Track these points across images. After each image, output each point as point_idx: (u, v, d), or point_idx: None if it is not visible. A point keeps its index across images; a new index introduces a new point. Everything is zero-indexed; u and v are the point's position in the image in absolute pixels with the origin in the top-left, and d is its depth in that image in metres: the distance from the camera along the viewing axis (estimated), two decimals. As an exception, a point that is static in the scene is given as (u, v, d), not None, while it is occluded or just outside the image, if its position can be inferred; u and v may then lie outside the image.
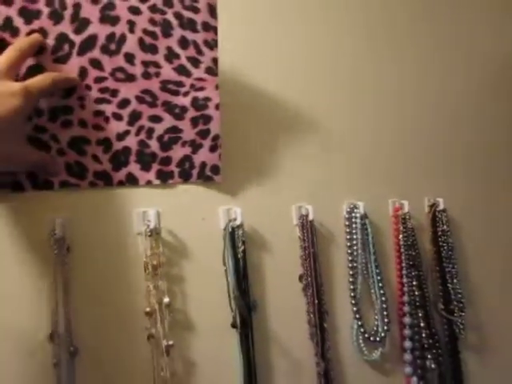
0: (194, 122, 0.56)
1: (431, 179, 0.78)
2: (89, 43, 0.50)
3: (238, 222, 0.58)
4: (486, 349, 0.78)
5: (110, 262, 0.52)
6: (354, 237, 0.67)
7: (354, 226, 0.67)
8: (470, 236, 0.79)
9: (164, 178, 0.56)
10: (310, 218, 0.63)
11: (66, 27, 0.49)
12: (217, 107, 0.57)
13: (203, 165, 0.57)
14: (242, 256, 0.58)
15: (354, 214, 0.68)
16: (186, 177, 0.56)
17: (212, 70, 0.56)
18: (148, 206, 0.54)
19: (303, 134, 0.67)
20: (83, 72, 0.51)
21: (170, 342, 0.52)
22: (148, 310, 0.52)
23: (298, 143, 0.66)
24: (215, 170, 0.57)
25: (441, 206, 0.77)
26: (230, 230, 0.58)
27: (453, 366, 0.74)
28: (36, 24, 0.48)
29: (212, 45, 0.56)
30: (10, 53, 0.44)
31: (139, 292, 0.52)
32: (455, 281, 0.75)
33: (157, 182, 0.55)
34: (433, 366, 0.69)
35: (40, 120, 0.49)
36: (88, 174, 0.52)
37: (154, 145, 0.55)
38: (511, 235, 0.83)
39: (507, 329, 0.80)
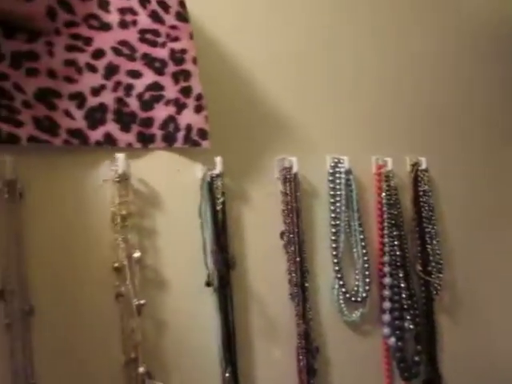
0: (175, 77, 0.49)
1: (414, 138, 0.76)
2: None
3: (217, 171, 0.52)
4: (458, 309, 0.78)
5: (71, 211, 0.45)
6: (338, 193, 0.63)
7: (337, 181, 0.63)
8: (450, 197, 0.78)
9: (145, 140, 0.49)
10: (294, 170, 0.59)
11: None
12: (194, 61, 0.50)
13: (189, 127, 0.50)
14: (221, 208, 0.52)
15: (338, 169, 0.64)
16: (170, 141, 0.50)
17: (182, 16, 0.50)
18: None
19: (287, 86, 0.62)
20: (51, 12, 0.43)
21: (142, 301, 0.46)
22: (117, 265, 0.46)
23: (282, 95, 0.61)
24: (202, 134, 0.50)
25: (423, 166, 0.74)
26: (209, 179, 0.52)
27: (428, 327, 0.73)
28: None
29: None
30: None
31: (106, 245, 0.46)
32: (434, 242, 0.74)
33: (138, 145, 0.49)
34: (411, 326, 0.67)
35: (0, 65, 0.42)
36: (60, 130, 0.44)
37: (133, 103, 0.48)
38: (490, 197, 0.82)
39: (480, 289, 0.80)
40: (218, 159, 0.52)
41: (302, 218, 0.59)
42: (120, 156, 0.46)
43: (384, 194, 0.69)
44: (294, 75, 0.63)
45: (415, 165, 0.74)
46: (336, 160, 0.64)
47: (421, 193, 0.74)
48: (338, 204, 0.63)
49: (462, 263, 0.78)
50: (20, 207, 0.42)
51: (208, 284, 0.51)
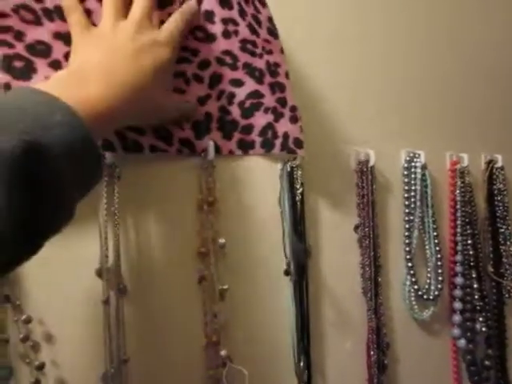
0: (272, 88, 0.50)
1: (490, 135, 0.73)
2: None
3: (297, 162, 0.52)
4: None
5: (160, 196, 0.47)
6: (413, 188, 0.62)
7: (413, 176, 0.62)
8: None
9: (245, 147, 0.50)
10: (371, 163, 0.58)
11: None
12: (287, 75, 0.51)
13: (286, 135, 0.51)
14: (299, 198, 0.53)
15: (413, 164, 0.62)
16: (268, 147, 0.51)
17: (272, 32, 0.50)
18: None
19: (365, 79, 0.61)
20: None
21: (225, 286, 0.47)
22: (202, 250, 0.47)
23: (358, 88, 0.60)
24: (298, 143, 0.51)
25: (499, 163, 0.72)
26: (289, 169, 0.52)
27: (498, 331, 0.71)
28: None
29: (263, 2, 0.49)
30: (142, 3, 0.40)
31: (192, 230, 0.47)
32: (508, 243, 0.71)
33: (239, 152, 0.50)
34: (483, 329, 0.65)
35: None
36: (174, 140, 0.46)
37: (235, 111, 0.49)
38: None
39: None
40: (299, 150, 0.52)
41: (376, 211, 0.58)
42: (210, 143, 0.47)
43: (458, 190, 0.67)
44: (372, 69, 0.62)
45: (491, 162, 0.71)
46: (412, 154, 0.63)
47: (495, 191, 0.71)
48: (412, 199, 0.62)
49: (537, 266, 0.75)
50: (117, 190, 0.43)
51: (286, 273, 0.52)
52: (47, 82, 0.33)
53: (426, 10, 0.67)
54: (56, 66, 0.41)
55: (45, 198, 0.27)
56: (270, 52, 0.50)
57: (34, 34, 0.40)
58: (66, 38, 0.41)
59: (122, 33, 0.38)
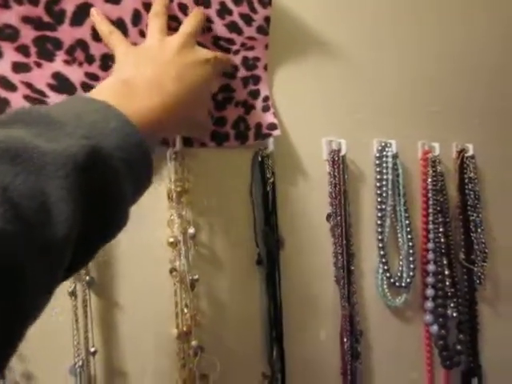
0: (245, 82, 0.51)
1: (461, 124, 0.74)
2: None
3: (268, 151, 0.52)
4: (502, 301, 0.77)
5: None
6: (385, 177, 0.63)
7: (384, 165, 0.63)
8: (497, 185, 0.76)
9: (219, 139, 0.50)
10: (342, 152, 0.58)
11: None
12: (265, 67, 0.52)
13: (258, 125, 0.52)
14: (271, 188, 0.53)
15: (385, 153, 0.63)
16: (242, 139, 0.51)
17: (263, 30, 0.51)
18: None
19: (337, 70, 0.61)
20: (137, 15, 0.44)
21: (195, 276, 0.47)
22: (171, 240, 0.47)
23: (331, 78, 0.60)
24: (272, 126, 0.52)
25: (470, 152, 0.73)
26: (260, 159, 0.52)
27: (469, 317, 0.72)
28: None
29: (265, 2, 0.50)
30: (194, 22, 0.43)
31: (162, 221, 0.47)
32: (479, 230, 0.73)
33: (212, 144, 0.50)
34: (454, 314, 0.67)
35: None
36: None
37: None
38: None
39: (524, 281, 0.78)
40: (270, 140, 0.52)
41: (348, 201, 0.59)
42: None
43: (430, 179, 0.68)
44: (344, 57, 0.62)
45: (462, 151, 0.72)
46: (383, 144, 0.63)
47: (466, 180, 0.72)
48: (384, 188, 0.62)
49: (507, 253, 0.77)
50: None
51: (258, 262, 0.52)
52: (100, 91, 0.34)
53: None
54: (23, 50, 0.40)
55: (108, 199, 0.27)
56: (251, 48, 0.51)
57: (1, 17, 0.39)
58: (35, 22, 0.40)
59: (169, 47, 0.39)
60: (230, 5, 0.49)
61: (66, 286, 0.41)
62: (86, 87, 0.43)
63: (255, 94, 0.52)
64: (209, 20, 0.48)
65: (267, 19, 0.51)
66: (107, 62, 0.44)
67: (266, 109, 0.52)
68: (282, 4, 0.53)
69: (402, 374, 0.66)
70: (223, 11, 0.48)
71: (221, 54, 0.46)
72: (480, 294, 0.73)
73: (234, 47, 0.50)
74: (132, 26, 0.44)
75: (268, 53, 0.52)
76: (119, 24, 0.43)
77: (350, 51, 0.63)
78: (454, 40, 0.74)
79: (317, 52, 0.59)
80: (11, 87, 0.40)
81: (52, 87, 0.41)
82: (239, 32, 0.50)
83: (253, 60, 0.52)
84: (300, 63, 0.58)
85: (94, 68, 0.43)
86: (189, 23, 0.43)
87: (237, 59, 0.51)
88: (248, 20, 0.50)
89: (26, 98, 0.40)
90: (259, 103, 0.52)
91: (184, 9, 0.47)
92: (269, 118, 0.52)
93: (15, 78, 0.40)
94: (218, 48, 0.49)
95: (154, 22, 0.42)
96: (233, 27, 0.49)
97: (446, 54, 0.73)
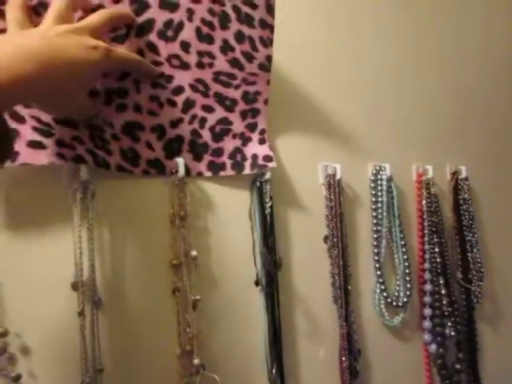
0: (243, 115, 0.54)
1: (454, 147, 0.77)
2: (146, 27, 0.48)
3: (266, 177, 0.55)
4: (500, 319, 0.78)
5: (135, 211, 0.49)
6: (380, 199, 0.65)
7: (379, 188, 0.65)
8: (491, 206, 0.78)
9: (216, 169, 0.53)
10: (338, 177, 0.61)
11: (125, 8, 0.46)
12: (265, 102, 0.55)
13: (255, 156, 0.54)
14: (269, 212, 0.55)
15: (379, 176, 0.66)
16: (238, 169, 0.54)
17: (265, 67, 0.54)
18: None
19: (331, 95, 0.64)
20: (140, 54, 0.48)
21: (197, 297, 0.49)
22: (175, 262, 0.49)
23: (326, 105, 0.64)
24: (268, 158, 0.55)
25: (463, 174, 0.75)
26: (258, 184, 0.55)
27: (468, 335, 0.74)
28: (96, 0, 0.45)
29: (267, 43, 0.53)
30: (103, 15, 0.43)
31: (165, 243, 0.50)
32: (475, 250, 0.74)
33: (208, 173, 0.53)
34: (452, 333, 0.68)
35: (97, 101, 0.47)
36: (141, 161, 0.49)
37: (206, 135, 0.53)
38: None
39: (522, 300, 0.80)
40: (269, 163, 0.55)
41: (345, 223, 0.61)
42: (180, 161, 0.50)
43: (424, 201, 0.70)
44: (341, 84, 0.65)
45: (455, 173, 0.75)
46: (378, 167, 0.66)
47: (461, 201, 0.75)
48: (379, 210, 0.65)
49: (503, 272, 0.78)
50: (92, 206, 0.46)
51: (257, 283, 0.54)
52: None
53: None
54: None
55: None
56: (252, 83, 0.54)
57: None
58: None
59: (54, 29, 0.39)
60: (233, 42, 0.52)
61: (75, 307, 0.44)
62: None
63: (253, 127, 0.55)
64: (211, 56, 0.52)
65: (269, 58, 0.54)
66: None
67: (262, 141, 0.55)
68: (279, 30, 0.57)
69: (402, 393, 0.67)
70: (226, 48, 0.52)
71: (121, 49, 0.45)
72: (478, 313, 0.74)
73: (235, 82, 0.53)
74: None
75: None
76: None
77: (351, 79, 0.66)
78: (449, 65, 0.78)
79: (315, 78, 0.63)
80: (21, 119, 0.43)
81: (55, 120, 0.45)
82: (241, 68, 0.53)
83: (253, 94, 0.54)
84: (298, 88, 0.61)
85: None
86: (90, 17, 0.42)
87: (237, 93, 0.54)
88: (249, 58, 0.53)
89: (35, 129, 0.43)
90: (256, 136, 0.55)
91: (186, 47, 0.50)
92: (265, 150, 0.54)
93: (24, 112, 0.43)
94: (218, 83, 0.53)
95: (54, 6, 0.41)
96: (235, 63, 0.52)
97: (440, 78, 0.77)
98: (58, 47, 0.37)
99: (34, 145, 0.43)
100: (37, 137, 0.43)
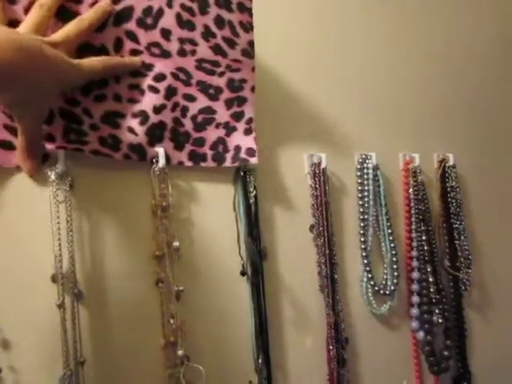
0: (229, 103, 0.53)
1: (441, 135, 0.76)
2: (125, 15, 0.47)
3: (250, 166, 0.55)
4: (488, 306, 0.78)
5: (116, 203, 0.48)
6: (366, 188, 0.65)
7: (365, 176, 0.65)
8: (478, 193, 0.78)
9: (197, 159, 0.52)
10: (323, 166, 0.61)
11: None
12: (252, 89, 0.54)
13: (237, 148, 0.53)
14: (253, 201, 0.55)
15: (365, 165, 0.65)
16: (219, 160, 0.53)
17: (248, 53, 0.53)
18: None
19: (317, 85, 0.64)
20: (119, 43, 0.47)
21: (181, 288, 0.49)
22: (158, 253, 0.49)
23: (311, 93, 0.63)
24: (250, 152, 0.54)
25: (450, 162, 0.75)
26: (242, 174, 0.55)
27: (457, 323, 0.74)
28: None
29: (248, 27, 0.52)
30: (76, 25, 0.43)
31: (148, 234, 0.49)
32: (462, 238, 0.74)
33: (189, 163, 0.52)
34: (440, 320, 0.68)
35: (73, 93, 0.46)
36: (122, 145, 0.47)
37: (187, 124, 0.52)
38: (518, 193, 0.82)
39: (509, 286, 0.80)
40: (251, 159, 0.54)
41: (331, 211, 0.61)
42: (160, 150, 0.49)
43: (411, 189, 0.70)
44: (325, 73, 0.65)
45: (442, 161, 0.75)
46: (364, 156, 0.65)
47: (448, 189, 0.74)
48: (365, 199, 0.65)
49: (491, 259, 0.78)
50: (70, 197, 0.45)
51: (243, 273, 0.54)
52: None
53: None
54: None
55: None
56: (236, 70, 0.53)
57: None
58: None
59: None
60: (214, 28, 0.51)
61: (54, 299, 0.43)
62: None
63: (239, 116, 0.54)
64: (193, 43, 0.51)
65: (251, 43, 0.53)
66: None
67: (248, 132, 0.54)
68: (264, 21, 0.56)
69: (390, 381, 0.67)
70: (207, 34, 0.51)
71: (96, 59, 0.45)
72: (466, 301, 0.75)
73: (219, 69, 0.52)
74: (114, 53, 0.47)
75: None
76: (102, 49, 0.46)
77: (336, 67, 0.65)
78: (436, 52, 0.77)
79: (301, 67, 0.62)
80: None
81: None
82: (224, 54, 0.52)
83: (239, 82, 0.53)
84: (283, 78, 0.60)
85: None
86: (66, 28, 0.43)
87: (221, 81, 0.53)
88: (232, 43, 0.52)
89: None
90: (242, 125, 0.54)
91: (167, 35, 0.49)
92: (249, 142, 0.53)
93: None
94: (201, 70, 0.52)
95: (33, 14, 0.41)
96: (217, 49, 0.52)
97: (427, 65, 0.76)
98: (41, 46, 0.37)
99: (4, 145, 0.42)
100: (6, 136, 0.42)
